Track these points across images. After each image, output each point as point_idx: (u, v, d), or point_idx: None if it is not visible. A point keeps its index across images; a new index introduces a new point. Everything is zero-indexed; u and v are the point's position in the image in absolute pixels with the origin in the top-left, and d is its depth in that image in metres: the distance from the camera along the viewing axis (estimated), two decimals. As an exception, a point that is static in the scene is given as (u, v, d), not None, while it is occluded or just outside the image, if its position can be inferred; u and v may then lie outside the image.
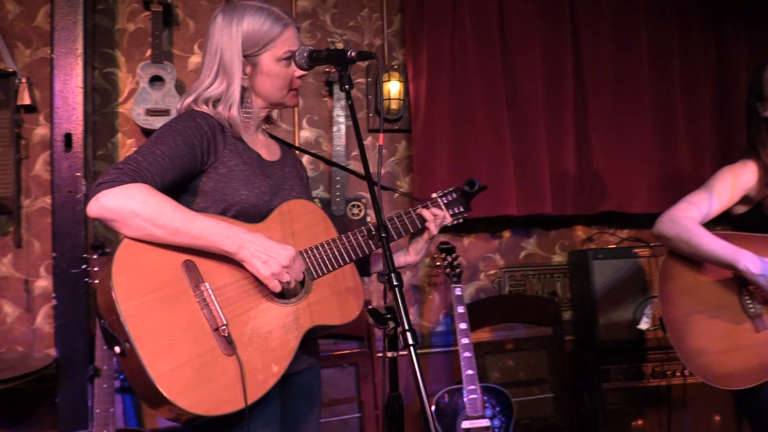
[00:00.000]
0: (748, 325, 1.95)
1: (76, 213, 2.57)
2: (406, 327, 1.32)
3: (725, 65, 3.72)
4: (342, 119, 3.21)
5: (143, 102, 2.86)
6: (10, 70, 2.78)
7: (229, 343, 1.41)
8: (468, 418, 2.77)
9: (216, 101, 1.60)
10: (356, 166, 3.38)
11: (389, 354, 1.55)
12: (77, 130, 2.58)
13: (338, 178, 3.16)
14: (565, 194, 3.44)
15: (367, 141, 3.42)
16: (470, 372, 2.81)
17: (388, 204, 3.39)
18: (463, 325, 2.91)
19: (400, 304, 1.34)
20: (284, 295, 1.52)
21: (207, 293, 1.42)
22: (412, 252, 1.84)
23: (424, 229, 1.79)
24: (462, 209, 1.85)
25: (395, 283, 1.37)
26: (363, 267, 1.88)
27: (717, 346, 1.98)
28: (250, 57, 1.61)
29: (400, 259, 1.86)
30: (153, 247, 1.40)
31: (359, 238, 1.67)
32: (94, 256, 2.49)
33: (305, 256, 1.60)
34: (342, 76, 1.58)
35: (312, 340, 1.69)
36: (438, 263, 3.12)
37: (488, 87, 3.37)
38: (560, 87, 3.49)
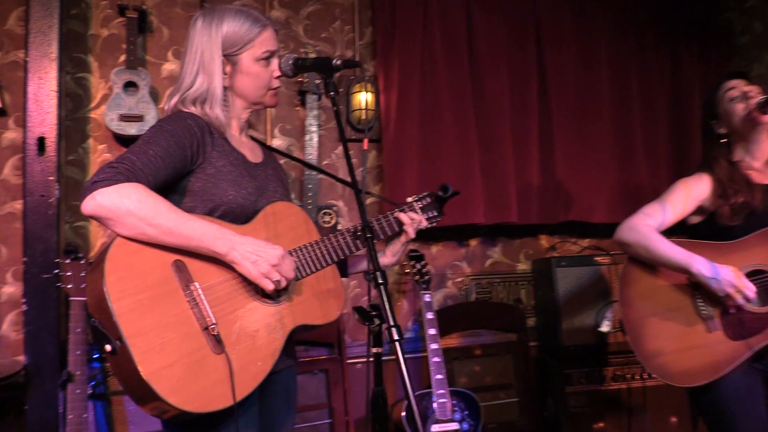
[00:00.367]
0: (701, 326, 2.06)
1: (49, 217, 2.54)
2: (392, 323, 1.37)
3: (679, 84, 3.92)
4: (314, 128, 3.25)
5: (117, 107, 2.86)
6: (-20, 73, 2.75)
7: (218, 341, 1.44)
8: (437, 421, 2.82)
9: (201, 100, 1.63)
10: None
11: (374, 350, 1.60)
12: (51, 134, 2.56)
13: (310, 185, 3.20)
14: (530, 204, 3.55)
15: (338, 150, 3.48)
16: (439, 376, 2.87)
17: (358, 212, 3.44)
18: (432, 331, 2.98)
19: (386, 302, 1.39)
20: (270, 295, 1.56)
21: (197, 293, 1.45)
22: (388, 254, 1.90)
23: (400, 232, 1.85)
24: (436, 213, 1.92)
25: (380, 281, 1.42)
26: (341, 269, 1.93)
27: (672, 346, 2.09)
28: (229, 56, 1.65)
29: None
30: (144, 247, 1.42)
31: (342, 239, 1.72)
32: (67, 261, 2.47)
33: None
34: (327, 83, 1.64)
35: (290, 340, 1.73)
36: (407, 270, 3.18)
37: (457, 100, 3.47)
38: (525, 101, 3.61)
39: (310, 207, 3.19)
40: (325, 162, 3.41)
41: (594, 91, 3.73)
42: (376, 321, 1.43)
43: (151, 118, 2.90)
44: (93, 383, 2.49)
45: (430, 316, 3.01)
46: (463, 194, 3.35)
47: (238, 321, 1.49)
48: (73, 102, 2.99)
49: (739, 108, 2.13)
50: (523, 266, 3.73)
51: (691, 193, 2.19)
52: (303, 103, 3.35)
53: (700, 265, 2.01)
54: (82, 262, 2.48)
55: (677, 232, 2.30)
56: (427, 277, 3.12)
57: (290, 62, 1.72)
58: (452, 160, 3.41)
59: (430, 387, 2.88)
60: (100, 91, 3.04)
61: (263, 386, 1.53)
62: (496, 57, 3.57)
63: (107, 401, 2.58)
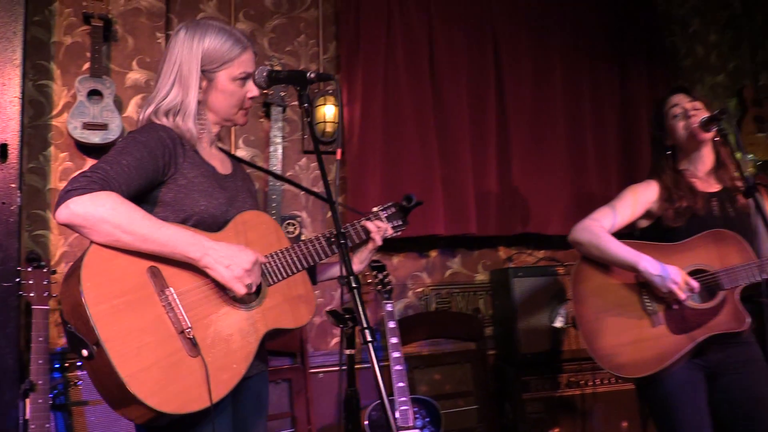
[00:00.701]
0: (647, 321, 2.20)
1: (10, 225, 2.50)
2: (365, 325, 1.42)
3: (628, 101, 4.11)
4: (279, 140, 3.29)
5: (80, 115, 2.84)
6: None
7: (193, 345, 1.46)
8: (400, 429, 2.87)
9: (174, 112, 1.66)
10: (289, 185, 3.46)
11: (347, 351, 1.64)
12: (14, 141, 2.53)
13: (274, 196, 3.23)
14: (489, 216, 3.66)
15: (302, 162, 3.52)
16: (401, 384, 2.92)
17: (322, 223, 3.49)
18: (394, 340, 3.03)
19: (359, 305, 1.44)
20: (243, 300, 1.59)
21: (172, 297, 1.47)
22: (356, 262, 1.95)
23: (367, 240, 1.91)
24: (401, 222, 1.99)
25: (354, 285, 1.47)
26: (310, 276, 1.97)
27: (620, 339, 2.22)
28: (207, 72, 1.69)
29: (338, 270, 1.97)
30: (119, 253, 1.44)
31: (317, 245, 1.77)
32: (29, 269, 2.44)
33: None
34: (301, 95, 1.69)
35: (262, 346, 1.77)
36: (369, 280, 3.23)
37: (418, 113, 3.56)
38: (484, 116, 3.73)
39: (273, 217, 3.22)
40: (288, 173, 3.45)
41: (548, 106, 3.88)
42: (350, 324, 1.48)
43: (115, 126, 2.89)
44: (54, 393, 2.45)
45: (391, 325, 3.06)
46: (424, 206, 3.42)
47: (212, 325, 1.52)
48: (35, 109, 2.96)
49: (681, 125, 2.29)
50: (481, 277, 3.83)
51: (640, 198, 2.34)
52: (267, 115, 3.39)
53: (646, 263, 2.15)
54: (44, 270, 2.45)
55: (628, 234, 2.44)
56: (389, 287, 3.18)
57: (264, 74, 1.75)
58: (414, 172, 3.49)
59: (392, 395, 2.93)
60: (62, 98, 3.01)
61: (236, 391, 1.56)
62: (456, 72, 3.69)
63: (68, 412, 2.54)
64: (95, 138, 2.86)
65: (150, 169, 1.55)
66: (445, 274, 3.76)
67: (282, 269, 1.71)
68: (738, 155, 2.23)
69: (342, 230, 1.59)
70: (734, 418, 2.12)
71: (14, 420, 2.42)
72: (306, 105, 1.67)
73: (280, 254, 1.72)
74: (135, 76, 3.15)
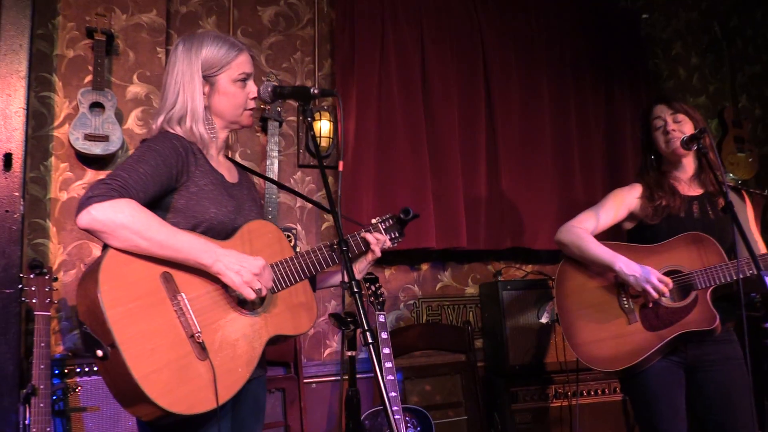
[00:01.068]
0: (623, 318, 2.33)
1: (13, 232, 2.55)
2: (366, 327, 1.49)
3: (613, 118, 4.25)
4: (275, 153, 3.37)
5: (82, 127, 2.90)
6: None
7: (202, 348, 1.53)
8: (392, 437, 2.92)
9: (185, 119, 1.73)
10: (285, 198, 3.54)
11: (348, 353, 1.71)
12: (18, 151, 2.58)
13: (270, 209, 3.30)
14: (478, 230, 3.75)
15: (297, 175, 3.60)
16: (393, 394, 2.98)
17: (316, 235, 3.56)
18: (386, 350, 3.09)
19: (360, 309, 1.52)
20: (248, 306, 1.66)
21: (183, 303, 1.53)
22: (354, 271, 2.02)
23: (366, 251, 1.98)
24: (397, 234, 2.06)
25: (356, 290, 1.54)
26: (310, 283, 2.04)
27: (598, 335, 2.36)
28: (208, 78, 1.76)
29: (339, 278, 2.03)
30: (135, 259, 1.51)
31: (319, 254, 1.84)
32: (31, 276, 2.49)
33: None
34: (305, 110, 1.78)
35: (263, 351, 1.83)
36: (362, 292, 3.29)
37: (411, 129, 3.66)
38: (474, 133, 3.83)
39: (269, 229, 3.28)
40: (284, 186, 3.51)
41: (536, 124, 3.99)
42: (351, 326, 1.54)
43: (116, 138, 2.95)
44: (53, 399, 2.48)
45: (384, 336, 3.12)
46: (417, 220, 3.50)
47: (220, 330, 1.58)
48: (36, 120, 3.01)
49: (661, 140, 2.42)
50: (471, 290, 3.91)
51: (622, 200, 2.48)
52: (264, 130, 3.47)
53: (622, 263, 2.28)
54: (46, 277, 2.50)
55: (619, 236, 2.59)
56: (381, 299, 3.24)
57: (269, 90, 1.84)
58: (406, 186, 3.58)
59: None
60: (63, 110, 3.07)
61: (236, 394, 1.61)
62: (448, 90, 3.79)
63: (67, 418, 2.57)
64: (96, 149, 2.92)
65: (164, 177, 1.62)
66: (436, 287, 3.84)
67: (286, 277, 1.77)
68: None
69: (345, 238, 1.66)
70: (707, 411, 2.25)
71: (13, 425, 2.45)
72: (309, 119, 1.76)
73: (284, 263, 1.78)
74: (135, 89, 3.22)
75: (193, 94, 1.74)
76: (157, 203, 1.65)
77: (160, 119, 1.75)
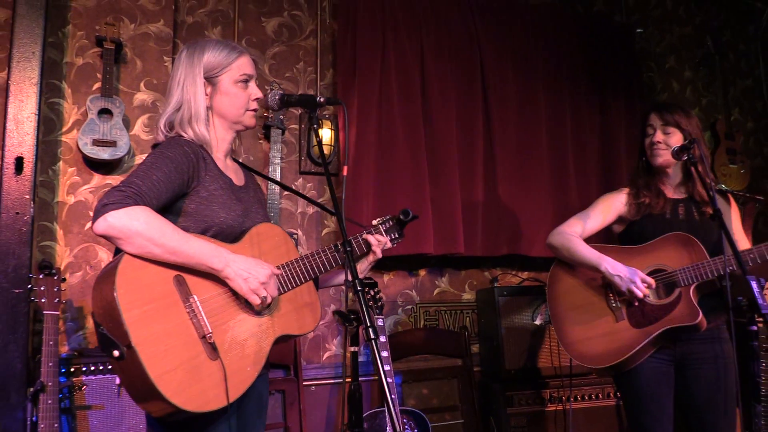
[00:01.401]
0: (611, 317, 2.44)
1: (23, 234, 2.62)
2: (368, 324, 1.57)
3: (607, 129, 4.34)
4: (278, 160, 3.45)
5: (91, 132, 2.98)
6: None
7: (213, 349, 1.59)
8: (390, 439, 2.99)
9: (188, 120, 1.79)
10: (287, 204, 3.62)
11: (351, 348, 1.78)
12: (29, 155, 2.66)
13: (272, 214, 3.37)
14: (476, 237, 3.83)
15: (298, 182, 3.68)
16: (392, 396, 3.04)
17: (316, 240, 3.64)
18: (385, 353, 3.16)
19: (364, 306, 1.59)
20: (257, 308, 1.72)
21: (195, 305, 1.60)
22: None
23: (367, 252, 2.05)
24: (397, 235, 2.13)
25: (359, 288, 1.62)
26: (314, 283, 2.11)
27: (588, 334, 2.47)
28: (210, 79, 1.83)
29: (341, 278, 2.11)
30: (148, 263, 1.57)
31: (324, 256, 1.91)
32: (41, 276, 2.55)
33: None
34: (311, 117, 1.85)
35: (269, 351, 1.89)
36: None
37: (410, 138, 3.74)
38: (472, 141, 3.92)
39: (271, 234, 3.35)
40: (285, 193, 3.59)
41: (533, 134, 4.08)
42: (355, 323, 1.62)
43: (123, 144, 3.03)
44: (59, 397, 2.54)
45: (382, 339, 3.20)
46: (415, 225, 3.61)
47: (229, 330, 1.65)
48: (46, 126, 3.08)
49: (648, 152, 2.51)
50: (468, 296, 3.98)
51: (611, 204, 2.59)
52: (267, 137, 3.55)
53: (607, 264, 2.38)
54: (55, 278, 2.56)
55: (611, 239, 2.69)
56: (380, 303, 3.32)
57: (277, 97, 1.92)
58: (405, 192, 3.65)
59: (382, 407, 3.05)
60: (72, 116, 3.15)
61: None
62: (446, 99, 3.88)
63: (72, 415, 2.63)
64: (104, 154, 3.00)
65: (176, 183, 1.68)
66: (434, 292, 3.91)
67: (293, 279, 1.84)
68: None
69: (349, 239, 1.73)
70: (691, 408, 2.35)
71: (20, 422, 2.52)
72: (315, 126, 1.84)
73: (291, 264, 1.85)
74: (142, 96, 3.30)
75: (195, 95, 1.80)
76: (168, 207, 1.71)
77: (163, 121, 1.82)
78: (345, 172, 1.90)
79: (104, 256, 3.13)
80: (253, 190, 2.00)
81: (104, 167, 3.15)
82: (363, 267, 2.07)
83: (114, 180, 3.18)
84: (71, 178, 3.12)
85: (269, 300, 1.70)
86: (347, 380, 1.65)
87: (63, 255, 3.06)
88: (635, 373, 2.37)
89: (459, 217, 3.75)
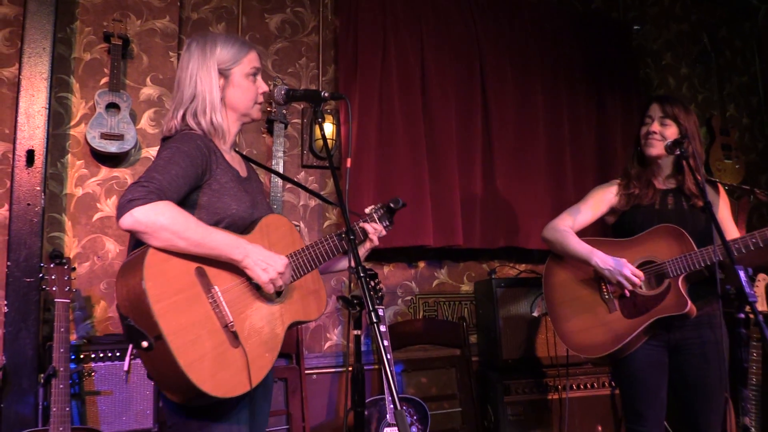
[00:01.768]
0: (604, 308, 2.54)
1: (34, 225, 2.70)
2: (371, 308, 1.64)
3: (604, 124, 4.42)
4: (281, 154, 3.52)
5: (99, 126, 3.05)
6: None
7: (235, 337, 1.67)
8: (390, 425, 3.08)
9: (203, 110, 1.85)
10: (289, 197, 3.70)
11: (355, 332, 1.86)
12: (40, 148, 2.73)
13: (275, 206, 3.45)
14: (474, 230, 3.91)
15: (300, 175, 3.75)
16: (390, 369, 3.11)
17: (318, 232, 3.71)
18: (385, 343, 3.25)
19: (366, 291, 1.67)
20: (270, 296, 1.80)
21: (217, 296, 1.67)
22: (353, 260, 2.17)
23: (364, 240, 2.14)
24: (388, 223, 2.22)
25: (362, 274, 1.70)
26: None
27: (582, 324, 2.58)
28: (223, 71, 1.90)
29: (343, 263, 2.19)
30: (171, 256, 1.64)
31: (330, 243, 1.99)
32: (51, 265, 2.63)
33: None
34: (316, 111, 1.94)
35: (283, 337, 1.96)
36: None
37: (410, 132, 3.81)
38: (471, 136, 3.99)
39: (274, 226, 3.43)
40: (288, 186, 3.67)
41: (530, 128, 4.16)
42: (358, 307, 1.69)
43: (130, 137, 3.10)
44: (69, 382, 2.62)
45: (383, 329, 3.28)
46: (415, 218, 3.69)
47: (248, 319, 1.73)
48: (54, 119, 3.15)
49: (642, 139, 2.58)
50: (466, 287, 4.06)
51: (603, 197, 2.68)
52: (270, 131, 3.62)
53: (598, 258, 2.48)
54: (65, 267, 2.64)
55: (606, 230, 2.79)
56: (380, 294, 3.40)
57: (282, 92, 1.99)
58: (405, 186, 3.72)
59: (382, 394, 3.14)
60: (80, 110, 3.21)
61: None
62: (446, 94, 3.96)
63: (81, 401, 2.71)
64: (112, 147, 3.07)
65: (192, 177, 1.75)
66: (433, 284, 3.99)
67: (301, 267, 1.92)
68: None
69: (352, 227, 1.81)
70: (683, 390, 2.44)
71: (31, 406, 2.60)
72: (320, 120, 1.91)
73: (299, 253, 1.93)
74: (148, 91, 3.37)
75: (211, 86, 1.86)
76: (182, 200, 1.76)
77: (180, 113, 1.86)
78: (348, 164, 1.98)
79: (111, 247, 3.20)
80: (256, 181, 2.07)
81: (111, 160, 3.22)
82: (360, 254, 2.15)
83: (121, 173, 3.25)
84: (79, 171, 3.19)
85: (283, 288, 1.78)
86: (351, 362, 1.73)
87: (71, 246, 3.14)
88: (629, 360, 2.47)
89: (458, 210, 3.83)
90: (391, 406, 3.08)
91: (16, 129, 2.74)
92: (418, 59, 3.92)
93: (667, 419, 2.53)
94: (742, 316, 2.65)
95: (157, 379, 1.61)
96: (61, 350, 2.46)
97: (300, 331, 3.48)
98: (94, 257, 3.17)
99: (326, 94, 1.91)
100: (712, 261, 2.27)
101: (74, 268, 2.72)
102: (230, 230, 1.78)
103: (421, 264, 3.98)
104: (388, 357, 3.17)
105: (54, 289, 2.58)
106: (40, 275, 2.62)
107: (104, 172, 3.23)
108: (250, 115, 1.98)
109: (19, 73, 2.79)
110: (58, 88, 3.18)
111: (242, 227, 1.84)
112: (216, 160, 1.84)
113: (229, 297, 1.70)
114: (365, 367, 3.58)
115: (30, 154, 2.71)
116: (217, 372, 1.59)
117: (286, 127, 3.63)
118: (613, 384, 3.64)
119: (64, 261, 2.65)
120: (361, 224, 2.13)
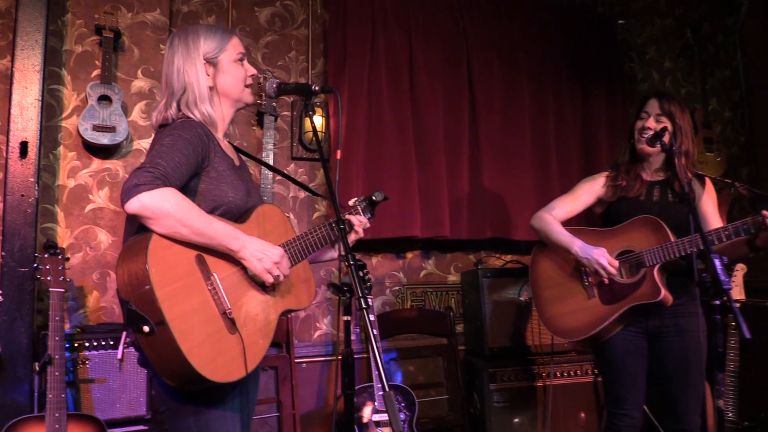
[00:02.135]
0: (584, 294, 2.66)
1: (28, 215, 2.74)
2: (360, 295, 1.70)
3: (589, 118, 4.50)
4: (270, 146, 3.57)
5: (91, 118, 3.09)
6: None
7: (233, 324, 1.72)
8: (378, 411, 3.16)
9: (194, 100, 1.89)
10: (279, 188, 3.75)
11: (345, 318, 1.92)
12: (33, 140, 2.77)
13: (265, 198, 3.49)
14: (461, 221, 3.98)
15: (290, 167, 3.80)
16: (377, 345, 3.18)
17: (307, 224, 3.77)
18: (374, 332, 3.32)
19: (355, 278, 1.73)
20: (263, 284, 1.85)
21: (216, 283, 1.72)
22: (338, 249, 2.23)
23: (349, 231, 2.19)
24: (370, 215, 2.28)
25: (351, 262, 1.76)
26: None
27: (563, 309, 2.71)
28: (210, 60, 1.93)
29: (331, 254, 2.26)
30: (172, 243, 1.67)
31: (315, 235, 2.04)
32: (46, 255, 2.67)
33: None
34: (306, 104, 1.98)
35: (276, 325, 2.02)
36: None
37: (398, 125, 3.87)
38: (458, 129, 4.06)
39: (264, 217, 3.48)
40: (278, 178, 3.72)
41: (517, 122, 4.23)
42: (347, 294, 1.76)
43: (122, 129, 3.14)
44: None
45: (371, 318, 3.35)
46: (403, 209, 3.76)
47: (244, 306, 1.78)
48: (47, 111, 3.17)
49: (636, 133, 2.67)
50: (453, 278, 4.14)
51: (591, 188, 2.78)
52: (260, 124, 3.66)
53: (577, 247, 2.60)
54: (59, 257, 2.68)
55: (593, 219, 2.90)
56: (369, 284, 3.47)
57: (274, 86, 2.04)
58: (393, 178, 3.79)
59: (370, 382, 3.21)
60: (72, 102, 3.24)
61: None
62: (434, 88, 4.02)
63: (76, 388, 2.76)
64: (104, 139, 3.10)
65: (193, 165, 1.79)
66: (421, 274, 4.07)
67: (294, 256, 1.97)
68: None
69: (342, 218, 1.87)
70: (661, 376, 2.54)
71: (26, 393, 2.65)
72: (311, 113, 1.97)
73: (291, 243, 1.99)
74: (140, 84, 3.40)
75: (198, 78, 1.90)
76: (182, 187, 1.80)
77: (174, 104, 1.90)
78: (339, 156, 2.03)
79: (103, 237, 3.24)
80: (247, 171, 2.12)
81: (103, 152, 3.26)
82: None
83: (112, 164, 3.29)
84: (71, 163, 3.22)
85: (281, 279, 1.83)
86: (341, 349, 1.79)
87: (64, 236, 3.17)
88: (609, 345, 2.57)
89: (445, 201, 3.90)
90: (380, 393, 3.15)
91: (10, 121, 2.77)
92: (407, 53, 3.98)
93: (646, 403, 2.63)
94: (718, 302, 2.73)
95: (156, 363, 1.63)
96: (57, 338, 2.50)
97: (290, 321, 3.54)
98: (86, 248, 3.21)
99: (317, 88, 1.96)
100: (687, 252, 2.36)
101: (68, 258, 2.75)
102: (226, 218, 1.82)
103: (409, 255, 4.05)
104: (377, 345, 3.24)
105: (48, 278, 2.61)
106: (35, 265, 2.66)
107: (96, 163, 3.27)
108: (242, 100, 2.01)
109: (12, 66, 2.81)
110: (50, 80, 3.20)
111: (237, 215, 1.88)
112: (214, 148, 1.88)
113: (227, 284, 1.75)
114: (355, 357, 3.66)
115: (23, 146, 2.75)
116: (215, 357, 1.64)
117: (276, 120, 3.67)
118: (596, 371, 3.73)
119: (58, 251, 2.69)
120: (347, 216, 2.18)
